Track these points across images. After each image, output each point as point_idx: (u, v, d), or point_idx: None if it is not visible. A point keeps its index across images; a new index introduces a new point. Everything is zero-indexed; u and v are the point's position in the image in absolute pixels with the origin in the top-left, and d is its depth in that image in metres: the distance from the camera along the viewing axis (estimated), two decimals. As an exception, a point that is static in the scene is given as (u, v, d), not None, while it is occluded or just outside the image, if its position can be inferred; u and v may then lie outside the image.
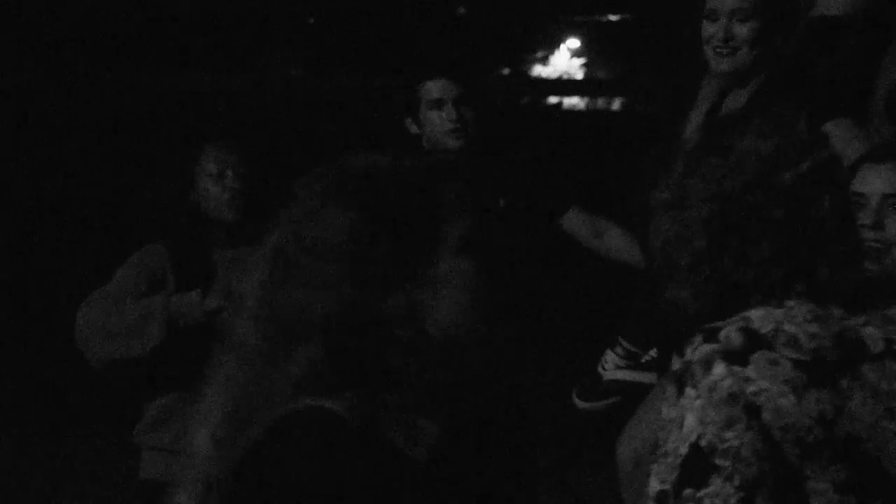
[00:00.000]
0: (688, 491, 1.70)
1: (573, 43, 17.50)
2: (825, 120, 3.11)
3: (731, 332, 1.75)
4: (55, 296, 5.00)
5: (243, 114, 10.25)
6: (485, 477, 1.88)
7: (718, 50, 3.22)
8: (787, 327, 1.75)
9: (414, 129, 3.81)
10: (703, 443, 1.70)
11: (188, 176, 3.42)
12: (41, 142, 9.43)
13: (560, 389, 4.08)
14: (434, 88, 3.78)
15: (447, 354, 1.60)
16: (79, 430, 6.32)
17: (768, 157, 1.79)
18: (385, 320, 1.55)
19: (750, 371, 1.72)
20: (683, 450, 1.70)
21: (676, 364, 1.76)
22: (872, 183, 2.63)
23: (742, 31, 3.23)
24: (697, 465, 1.70)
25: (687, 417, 1.72)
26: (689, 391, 1.73)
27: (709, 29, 3.26)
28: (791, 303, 1.78)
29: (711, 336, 1.76)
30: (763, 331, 1.75)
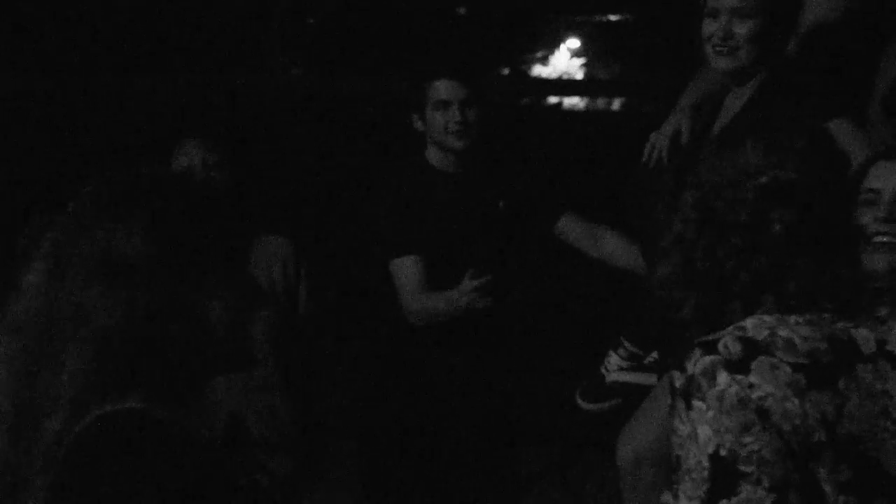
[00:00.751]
0: (722, 502, 1.70)
1: (573, 43, 17.48)
2: (824, 121, 3.11)
3: (728, 342, 1.76)
4: None
5: (242, 113, 10.24)
6: (485, 477, 1.90)
7: (718, 48, 3.22)
8: (781, 332, 1.76)
9: (420, 125, 3.81)
10: (723, 452, 1.71)
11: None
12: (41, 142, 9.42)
13: (560, 390, 4.07)
14: (441, 89, 3.79)
15: (228, 351, 1.65)
16: None
17: (748, 162, 1.81)
18: (168, 322, 1.58)
19: (753, 377, 1.72)
20: (706, 462, 1.70)
21: (679, 380, 1.76)
22: (887, 179, 2.72)
23: (742, 29, 3.23)
24: (724, 475, 1.70)
25: (701, 430, 1.73)
26: (698, 404, 1.74)
27: (709, 27, 3.26)
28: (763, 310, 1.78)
29: (709, 348, 1.76)
30: (759, 338, 1.76)
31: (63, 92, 10.04)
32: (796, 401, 1.73)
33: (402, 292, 3.87)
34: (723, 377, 1.74)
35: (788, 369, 1.75)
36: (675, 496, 1.77)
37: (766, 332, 1.77)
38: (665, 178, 3.52)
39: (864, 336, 1.80)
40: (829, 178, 1.87)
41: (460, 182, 3.85)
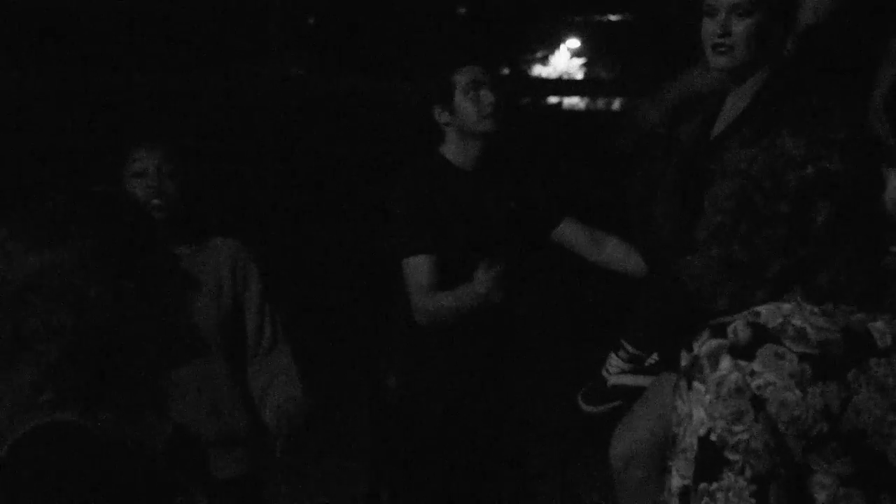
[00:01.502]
0: (702, 485, 1.71)
1: (573, 43, 17.47)
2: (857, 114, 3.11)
3: (738, 326, 1.76)
4: None
5: (241, 114, 10.25)
6: (484, 476, 1.91)
7: (716, 47, 3.22)
8: (795, 321, 1.76)
9: (445, 117, 3.79)
10: (713, 437, 1.72)
11: (116, 177, 3.43)
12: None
13: (560, 390, 4.08)
14: (472, 73, 3.80)
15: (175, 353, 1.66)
16: None
17: (789, 153, 1.81)
18: (117, 329, 1.59)
19: (756, 365, 1.73)
20: (695, 444, 1.71)
21: (685, 359, 1.77)
22: None
23: (740, 27, 3.22)
24: (710, 460, 1.71)
25: (696, 411, 1.74)
26: (698, 386, 1.75)
27: (708, 26, 3.26)
28: (798, 299, 1.79)
29: (719, 331, 1.77)
30: (771, 325, 1.76)
31: (38, 89, 10.02)
32: (798, 391, 1.73)
33: (414, 291, 3.85)
34: (726, 362, 1.75)
35: (795, 359, 1.75)
36: (669, 472, 1.78)
37: (779, 320, 1.77)
38: (665, 178, 3.51)
39: (881, 330, 1.80)
40: (871, 170, 1.87)
41: (476, 180, 3.85)
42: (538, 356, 4.41)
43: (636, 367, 3.57)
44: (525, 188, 4.02)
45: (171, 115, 9.01)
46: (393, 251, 3.90)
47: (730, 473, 1.72)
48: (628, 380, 3.58)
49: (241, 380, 3.51)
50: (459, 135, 3.85)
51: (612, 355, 3.61)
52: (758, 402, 1.72)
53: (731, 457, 1.72)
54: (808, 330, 1.75)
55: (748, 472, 1.70)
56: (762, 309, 1.78)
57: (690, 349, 1.79)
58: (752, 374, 1.73)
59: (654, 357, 3.52)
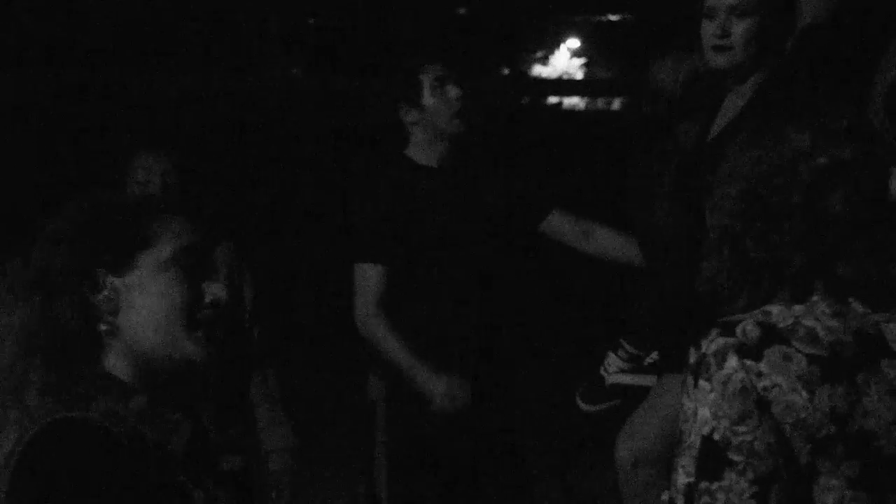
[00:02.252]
0: (703, 484, 1.70)
1: (573, 43, 17.49)
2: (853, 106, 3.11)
3: (747, 326, 1.75)
4: None
5: (241, 115, 10.24)
6: (485, 477, 1.91)
7: (716, 47, 3.22)
8: (805, 322, 1.75)
9: (412, 115, 3.74)
10: (717, 437, 1.71)
11: (118, 183, 3.42)
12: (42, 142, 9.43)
13: (560, 390, 4.08)
14: (438, 69, 3.75)
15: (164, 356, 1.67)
16: None
17: (797, 147, 1.80)
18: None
19: (763, 366, 1.71)
20: (698, 443, 1.71)
21: (693, 356, 1.76)
22: None
23: (739, 28, 3.22)
24: (712, 459, 1.71)
25: (700, 410, 1.72)
26: (704, 384, 1.73)
27: (707, 27, 3.26)
28: (815, 297, 1.78)
29: (728, 329, 1.76)
30: (781, 325, 1.75)
31: (49, 90, 10.03)
32: (805, 393, 1.72)
33: (358, 298, 3.78)
34: (732, 361, 1.74)
35: (803, 360, 1.74)
36: (675, 469, 1.78)
37: (790, 321, 1.76)
38: (665, 179, 3.51)
39: (895, 331, 1.79)
40: (879, 157, 1.86)
41: (444, 176, 3.78)
42: (538, 356, 4.40)
43: (635, 366, 3.57)
44: (509, 182, 3.99)
45: (171, 116, 9.00)
46: (347, 255, 3.86)
47: (731, 474, 1.71)
48: (627, 379, 3.58)
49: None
50: (427, 133, 3.79)
51: (611, 354, 3.60)
52: (763, 404, 1.72)
53: (734, 457, 1.71)
54: (819, 331, 1.75)
55: (750, 474, 1.70)
56: (773, 308, 1.77)
57: (699, 347, 1.78)
58: (759, 375, 1.72)
59: (653, 356, 3.52)
